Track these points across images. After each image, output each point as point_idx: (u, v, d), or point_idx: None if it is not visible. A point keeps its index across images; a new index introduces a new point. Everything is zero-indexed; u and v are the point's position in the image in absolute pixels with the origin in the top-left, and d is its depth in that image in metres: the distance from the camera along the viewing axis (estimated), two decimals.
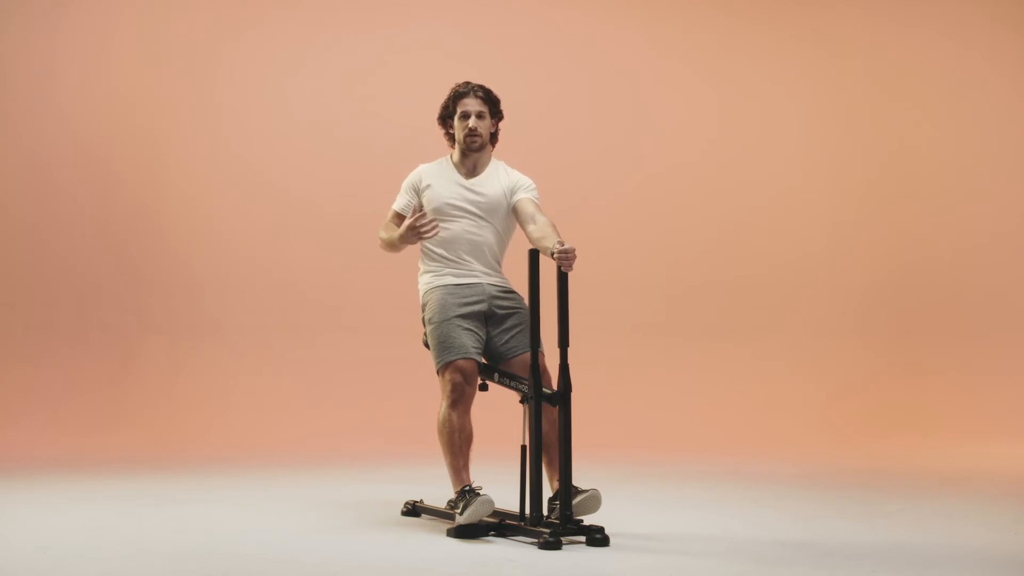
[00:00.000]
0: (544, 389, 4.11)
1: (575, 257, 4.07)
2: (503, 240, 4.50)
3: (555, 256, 4.06)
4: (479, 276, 4.41)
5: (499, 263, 4.51)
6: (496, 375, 4.32)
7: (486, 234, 4.44)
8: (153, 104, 7.60)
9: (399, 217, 4.47)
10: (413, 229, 4.28)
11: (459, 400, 4.25)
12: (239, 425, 7.21)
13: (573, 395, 4.07)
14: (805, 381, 7.61)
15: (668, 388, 7.54)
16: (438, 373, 4.31)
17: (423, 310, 4.46)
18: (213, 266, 7.57)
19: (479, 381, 4.31)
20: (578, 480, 4.13)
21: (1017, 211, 7.84)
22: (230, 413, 7.30)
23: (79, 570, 3.62)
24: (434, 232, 4.30)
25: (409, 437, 6.71)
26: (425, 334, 4.45)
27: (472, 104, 4.44)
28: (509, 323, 4.39)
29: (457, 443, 4.25)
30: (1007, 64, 7.94)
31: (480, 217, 4.43)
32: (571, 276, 4.12)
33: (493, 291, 4.41)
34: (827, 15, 7.97)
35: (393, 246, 4.42)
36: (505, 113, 4.54)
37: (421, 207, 4.45)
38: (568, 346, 4.09)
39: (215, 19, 7.70)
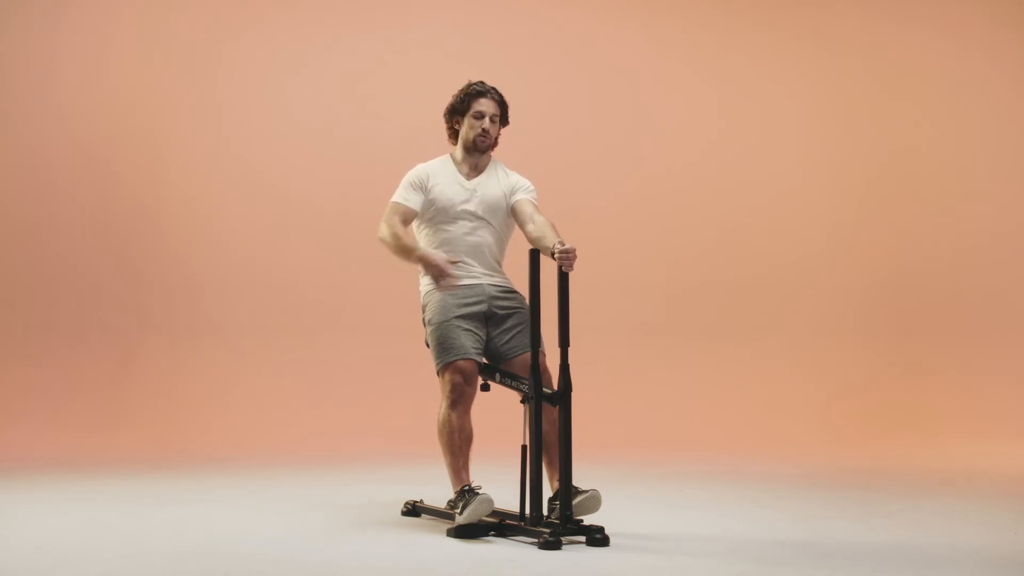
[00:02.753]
0: (544, 389, 4.11)
1: (576, 257, 4.07)
2: (502, 241, 4.50)
3: (556, 256, 4.06)
4: (479, 277, 4.41)
5: (499, 263, 4.50)
6: (497, 375, 4.32)
7: (486, 235, 4.43)
8: (153, 104, 7.60)
9: (400, 209, 4.40)
10: (440, 274, 4.26)
11: (459, 400, 4.25)
12: (239, 425, 7.21)
13: (573, 395, 4.07)
14: (805, 381, 7.61)
15: (668, 388, 7.54)
16: (438, 374, 4.31)
17: (424, 311, 4.45)
18: (213, 266, 7.57)
19: (480, 381, 4.31)
20: (578, 480, 4.13)
21: (1017, 211, 7.84)
22: (230, 413, 7.30)
23: (79, 570, 3.62)
24: (454, 290, 4.30)
25: (409, 437, 6.71)
26: (427, 335, 4.45)
27: (488, 106, 4.43)
28: (509, 323, 4.39)
29: (457, 443, 4.25)
30: (1007, 64, 7.95)
31: (480, 218, 4.42)
32: (571, 276, 4.12)
33: (493, 291, 4.41)
34: (827, 15, 7.97)
35: (402, 251, 4.33)
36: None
37: (431, 204, 4.41)
38: (568, 346, 4.08)
39: (215, 19, 7.70)
